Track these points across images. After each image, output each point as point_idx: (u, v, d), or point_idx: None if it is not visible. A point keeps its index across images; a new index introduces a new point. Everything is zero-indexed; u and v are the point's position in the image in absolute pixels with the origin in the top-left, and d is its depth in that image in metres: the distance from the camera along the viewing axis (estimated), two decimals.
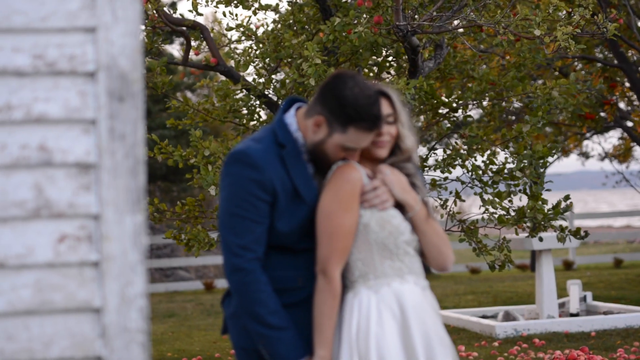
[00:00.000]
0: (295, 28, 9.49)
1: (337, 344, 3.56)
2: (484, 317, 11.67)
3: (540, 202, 8.62)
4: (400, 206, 3.64)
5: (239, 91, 9.16)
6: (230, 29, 9.47)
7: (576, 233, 9.38)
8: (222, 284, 18.66)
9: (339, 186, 3.55)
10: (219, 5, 9.28)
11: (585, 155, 20.75)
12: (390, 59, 9.65)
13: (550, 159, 8.93)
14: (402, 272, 3.60)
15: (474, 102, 9.68)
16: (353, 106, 3.51)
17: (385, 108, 3.64)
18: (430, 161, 12.36)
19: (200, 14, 9.15)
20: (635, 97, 15.49)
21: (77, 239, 2.71)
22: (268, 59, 9.11)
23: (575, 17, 7.68)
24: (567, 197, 9.15)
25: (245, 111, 9.30)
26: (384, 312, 3.54)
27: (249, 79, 9.90)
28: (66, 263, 2.70)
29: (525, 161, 8.58)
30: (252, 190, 3.52)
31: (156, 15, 8.68)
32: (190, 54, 9.37)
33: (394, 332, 3.52)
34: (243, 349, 3.67)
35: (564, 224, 9.82)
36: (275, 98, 9.21)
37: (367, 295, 3.57)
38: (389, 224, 3.57)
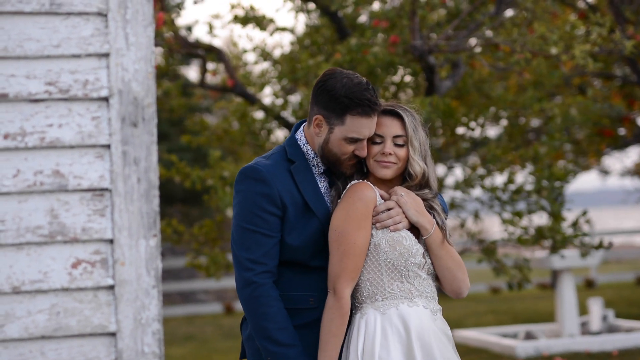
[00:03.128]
0: (311, 49, 9.52)
1: None
2: (504, 336, 11.58)
3: (558, 223, 8.57)
4: (415, 229, 3.62)
5: (256, 112, 9.20)
6: (246, 51, 9.52)
7: (599, 246, 9.27)
8: (241, 306, 18.62)
9: (352, 204, 3.53)
10: (235, 24, 9.31)
11: (605, 172, 20.64)
12: (407, 78, 9.65)
13: (570, 178, 8.86)
14: (412, 294, 3.56)
15: (492, 122, 9.67)
16: (345, 95, 3.52)
17: (395, 129, 3.60)
18: (449, 181, 12.32)
19: (216, 36, 9.21)
20: None
21: (91, 263, 2.71)
22: (285, 79, 9.14)
23: (593, 35, 7.64)
24: (584, 213, 9.06)
25: (262, 132, 9.33)
26: (389, 333, 3.50)
27: (266, 100, 9.95)
28: (81, 288, 2.71)
29: (544, 181, 8.55)
30: (261, 204, 3.54)
31: (172, 38, 8.73)
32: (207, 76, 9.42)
33: (399, 354, 3.49)
34: None
35: (586, 239, 9.71)
36: (292, 119, 9.23)
37: (374, 315, 3.54)
38: (399, 245, 3.54)
